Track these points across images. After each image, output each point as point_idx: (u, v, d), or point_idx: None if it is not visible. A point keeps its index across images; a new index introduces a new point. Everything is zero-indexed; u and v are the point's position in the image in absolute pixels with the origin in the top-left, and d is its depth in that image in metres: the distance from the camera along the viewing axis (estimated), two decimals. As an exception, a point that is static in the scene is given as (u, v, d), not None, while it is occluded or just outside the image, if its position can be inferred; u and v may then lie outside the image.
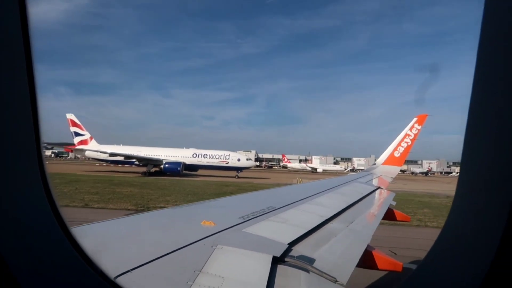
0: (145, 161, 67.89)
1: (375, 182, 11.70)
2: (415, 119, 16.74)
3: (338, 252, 3.80)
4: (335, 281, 2.87)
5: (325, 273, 2.93)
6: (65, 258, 1.53)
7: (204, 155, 69.06)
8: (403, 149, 16.43)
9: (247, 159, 72.44)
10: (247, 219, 4.10)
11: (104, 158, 71.24)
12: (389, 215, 7.67)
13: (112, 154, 67.50)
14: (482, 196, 1.16)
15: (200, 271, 2.53)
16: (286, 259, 3.00)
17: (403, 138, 16.59)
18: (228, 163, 67.56)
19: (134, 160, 68.52)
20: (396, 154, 16.45)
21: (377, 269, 4.43)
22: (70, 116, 74.64)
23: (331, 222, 4.84)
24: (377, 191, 9.25)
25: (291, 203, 5.43)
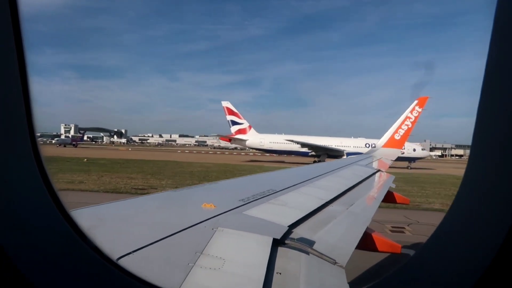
0: (322, 151, 64.02)
1: (375, 165, 11.72)
2: (416, 102, 16.62)
3: (338, 235, 3.83)
4: (335, 262, 2.91)
5: (324, 255, 2.96)
6: (66, 241, 1.53)
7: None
8: (403, 131, 16.37)
9: (422, 149, 67.12)
10: (248, 201, 4.12)
11: (268, 148, 67.10)
12: (389, 198, 7.70)
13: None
14: (491, 184, 1.14)
15: (201, 253, 2.55)
16: (286, 241, 3.03)
17: (403, 120, 16.50)
18: (403, 153, 60.94)
19: (307, 150, 64.60)
20: (397, 137, 16.40)
21: (376, 251, 4.47)
22: (226, 104, 70.54)
23: (331, 204, 4.87)
24: (377, 174, 9.27)
25: (291, 186, 5.45)
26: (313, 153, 64.81)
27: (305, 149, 65.14)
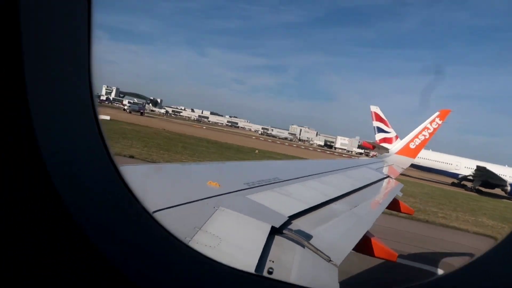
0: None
1: (385, 170, 11.61)
2: (437, 114, 16.34)
3: (337, 233, 3.83)
4: (329, 260, 2.90)
5: (320, 251, 2.96)
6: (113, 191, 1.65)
7: None
8: (419, 141, 16.15)
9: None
10: (252, 186, 4.12)
11: (429, 166, 61.68)
12: (394, 206, 7.65)
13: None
14: None
15: (200, 229, 2.57)
16: (284, 231, 3.03)
17: (421, 130, 16.27)
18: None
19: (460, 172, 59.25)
20: (412, 146, 16.20)
21: (373, 256, 4.46)
22: (375, 109, 65.70)
23: (334, 202, 4.85)
24: (386, 180, 9.19)
25: (297, 177, 5.44)
26: (467, 176, 59.38)
27: (463, 172, 60.12)
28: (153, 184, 3.59)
